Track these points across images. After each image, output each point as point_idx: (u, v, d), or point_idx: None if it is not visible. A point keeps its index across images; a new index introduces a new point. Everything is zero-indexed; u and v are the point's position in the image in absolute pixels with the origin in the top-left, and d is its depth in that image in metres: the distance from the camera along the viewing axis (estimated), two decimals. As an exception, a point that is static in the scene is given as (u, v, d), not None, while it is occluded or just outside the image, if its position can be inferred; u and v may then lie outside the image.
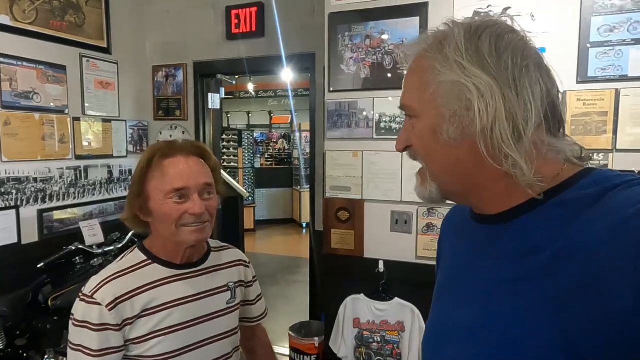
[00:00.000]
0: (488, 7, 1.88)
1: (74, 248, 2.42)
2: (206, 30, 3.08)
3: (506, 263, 0.59)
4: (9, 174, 2.38)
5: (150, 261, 1.06)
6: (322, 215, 2.34)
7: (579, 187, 0.56)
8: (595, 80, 1.74)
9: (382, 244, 2.14)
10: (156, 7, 3.19)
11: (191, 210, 1.00)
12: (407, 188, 2.06)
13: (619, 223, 0.47)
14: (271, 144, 10.03)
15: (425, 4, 1.98)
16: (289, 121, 10.51)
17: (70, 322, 0.99)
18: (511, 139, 0.55)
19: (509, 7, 1.85)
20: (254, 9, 2.89)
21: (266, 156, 9.28)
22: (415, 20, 2.00)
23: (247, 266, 1.26)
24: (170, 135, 3.25)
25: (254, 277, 1.28)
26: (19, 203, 2.43)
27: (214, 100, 3.28)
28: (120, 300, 0.98)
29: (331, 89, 2.20)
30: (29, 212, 2.49)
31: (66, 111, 2.68)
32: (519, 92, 0.55)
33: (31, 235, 2.50)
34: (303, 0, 2.78)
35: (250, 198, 7.59)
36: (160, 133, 3.28)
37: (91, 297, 0.97)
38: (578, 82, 1.76)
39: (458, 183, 0.63)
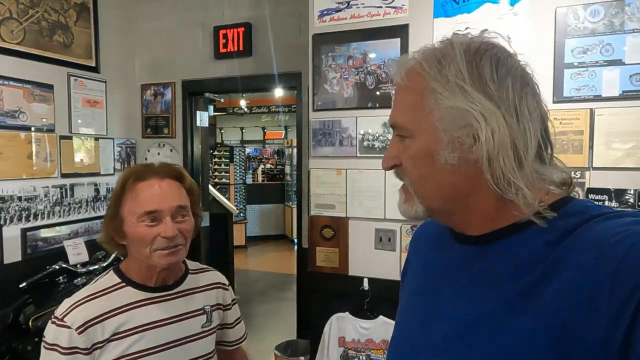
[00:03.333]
0: (466, 29, 1.92)
1: (57, 267, 2.40)
2: (194, 49, 3.12)
3: (490, 283, 0.59)
4: (-7, 192, 2.37)
5: (123, 284, 1.06)
6: (307, 233, 2.34)
7: (560, 216, 0.57)
8: (570, 100, 1.78)
9: (367, 261, 2.14)
10: (145, 27, 3.23)
11: (163, 233, 1.00)
12: (391, 205, 2.08)
13: (599, 253, 0.49)
14: (263, 160, 10.04)
15: (406, 26, 2.03)
16: (282, 137, 10.56)
17: (42, 344, 0.99)
18: (515, 167, 0.55)
19: (486, 29, 1.90)
20: (241, 29, 2.94)
21: (258, 172, 9.28)
22: (397, 41, 2.05)
23: (226, 289, 1.25)
24: (158, 153, 3.25)
25: (233, 300, 1.27)
26: (1, 222, 2.41)
27: (202, 118, 3.30)
28: (90, 323, 0.97)
29: (315, 108, 2.23)
30: (13, 231, 2.46)
31: (53, 130, 2.69)
32: (519, 119, 0.56)
33: (14, 255, 2.47)
34: (289, 21, 2.83)
35: (241, 214, 7.57)
36: (148, 151, 3.29)
37: (61, 320, 0.97)
38: (554, 102, 1.80)
39: (448, 205, 0.63)
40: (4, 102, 2.41)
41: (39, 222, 2.61)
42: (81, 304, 0.99)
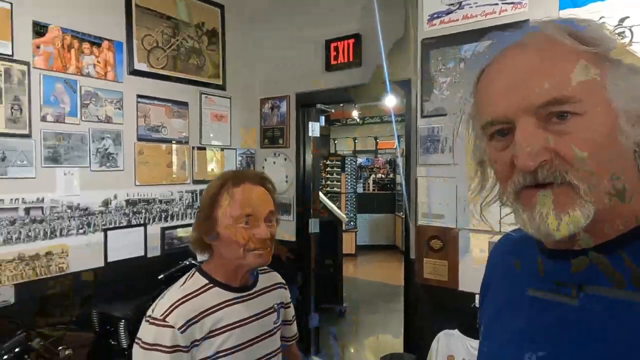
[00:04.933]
0: (600, 18, 1.70)
1: (187, 263, 2.72)
2: (307, 63, 3.29)
3: (593, 298, 0.54)
4: (141, 196, 2.78)
5: (211, 285, 1.11)
6: (414, 244, 2.27)
7: None
8: None
9: (479, 277, 1.98)
10: (264, 46, 3.52)
11: (258, 235, 1.07)
12: (506, 217, 1.91)
13: None
14: (375, 170, 10.05)
15: (526, 22, 1.86)
16: (395, 146, 10.46)
17: (136, 346, 1.01)
18: None
19: (627, 17, 1.65)
20: (351, 41, 3.01)
21: (370, 181, 9.31)
22: (514, 39, 1.89)
23: (286, 288, 1.32)
24: (274, 162, 3.48)
25: (289, 298, 1.34)
26: (146, 221, 2.81)
27: (314, 129, 3.45)
28: (190, 322, 1.02)
29: (424, 114, 2.16)
30: (154, 230, 2.86)
31: (187, 142, 3.07)
32: None
33: (155, 250, 2.87)
34: (398, 28, 2.81)
35: (351, 223, 7.66)
36: (265, 160, 3.54)
37: (163, 320, 1.00)
38: None
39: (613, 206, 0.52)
40: (150, 118, 2.83)
41: (175, 223, 2.99)
42: (180, 304, 1.03)
